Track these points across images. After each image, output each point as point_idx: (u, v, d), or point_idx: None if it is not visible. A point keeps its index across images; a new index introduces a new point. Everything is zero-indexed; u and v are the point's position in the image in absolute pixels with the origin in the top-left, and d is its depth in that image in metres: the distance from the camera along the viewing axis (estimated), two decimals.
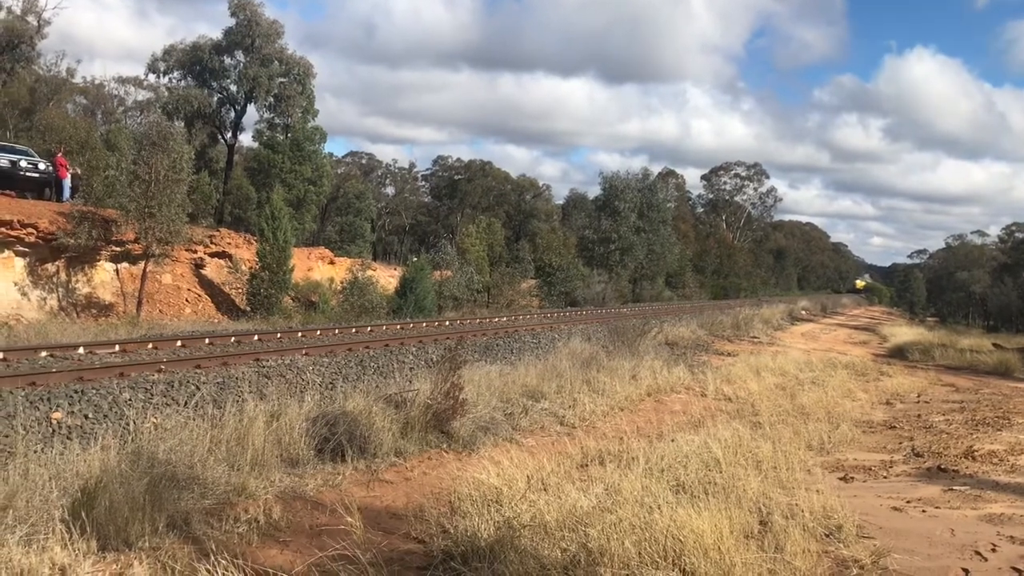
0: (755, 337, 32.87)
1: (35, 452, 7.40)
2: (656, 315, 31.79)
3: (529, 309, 34.80)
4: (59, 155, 26.45)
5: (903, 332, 41.83)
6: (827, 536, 6.43)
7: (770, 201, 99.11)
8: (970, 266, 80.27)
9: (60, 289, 23.18)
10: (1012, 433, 12.37)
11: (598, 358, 17.63)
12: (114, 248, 24.39)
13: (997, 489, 8.58)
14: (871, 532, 6.72)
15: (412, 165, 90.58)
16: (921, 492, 8.51)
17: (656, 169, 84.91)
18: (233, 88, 39.53)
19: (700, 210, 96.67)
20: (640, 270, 52.34)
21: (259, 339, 16.98)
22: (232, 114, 40.92)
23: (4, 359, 12.37)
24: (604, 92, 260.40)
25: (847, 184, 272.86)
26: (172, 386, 11.26)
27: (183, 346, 15.28)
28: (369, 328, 20.43)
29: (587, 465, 9.18)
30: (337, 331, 19.44)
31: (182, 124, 35.30)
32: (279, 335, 17.83)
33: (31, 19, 35.02)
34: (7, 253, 21.93)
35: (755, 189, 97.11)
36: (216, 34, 39.56)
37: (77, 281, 23.73)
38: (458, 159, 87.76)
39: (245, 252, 29.66)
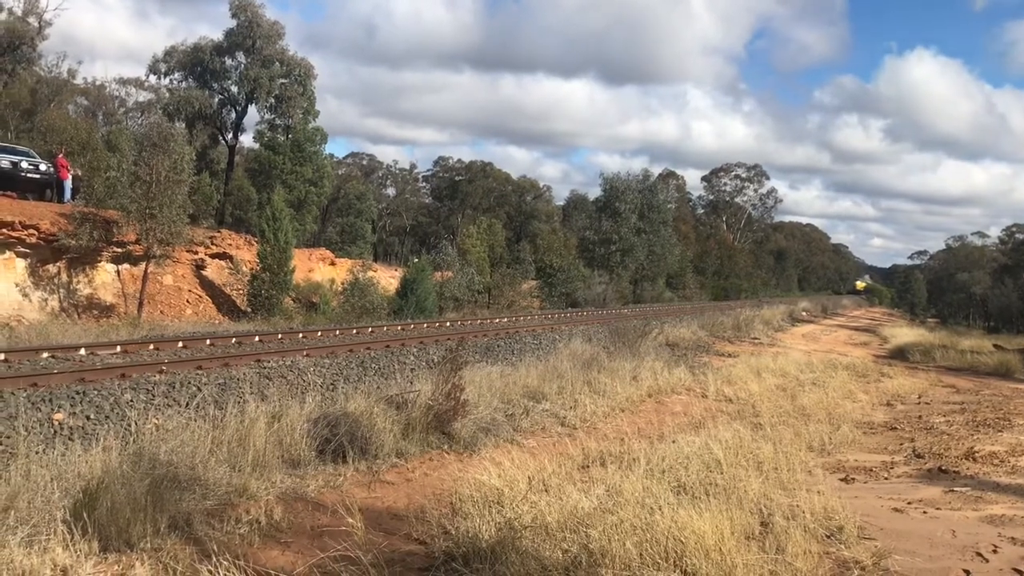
0: (756, 338, 32.88)
1: (37, 453, 7.41)
2: (657, 316, 31.80)
3: (530, 310, 34.80)
4: (60, 156, 26.44)
5: (904, 333, 41.83)
6: (828, 537, 6.44)
7: (770, 202, 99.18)
8: (970, 267, 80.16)
9: (61, 290, 23.18)
10: (1013, 434, 12.38)
11: (599, 359, 17.64)
12: (115, 249, 24.39)
13: (998, 490, 8.58)
14: (872, 533, 6.73)
15: (413, 166, 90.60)
16: (922, 493, 8.52)
17: (657, 170, 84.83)
18: (234, 89, 39.56)
19: (700, 211, 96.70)
20: (641, 271, 52.34)
21: (260, 340, 16.98)
22: (233, 115, 40.98)
23: (6, 360, 12.38)
24: (605, 93, 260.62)
25: (847, 185, 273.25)
26: (173, 387, 11.26)
27: (184, 347, 15.29)
28: (370, 329, 20.44)
29: (588, 466, 9.19)
30: (338, 332, 19.45)
31: (183, 125, 35.32)
32: (280, 336, 17.84)
33: (32, 20, 35.04)
34: (8, 254, 21.93)
35: (755, 190, 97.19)
36: (217, 35, 39.65)
37: (78, 282, 23.73)
38: (459, 160, 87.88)
39: (246, 253, 29.66)
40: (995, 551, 6.33)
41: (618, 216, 48.84)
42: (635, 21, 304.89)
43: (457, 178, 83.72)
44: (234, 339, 16.72)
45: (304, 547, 6.56)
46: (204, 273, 28.48)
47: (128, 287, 24.55)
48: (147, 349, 14.79)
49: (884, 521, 7.25)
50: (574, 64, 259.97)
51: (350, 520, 6.41)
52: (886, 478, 9.66)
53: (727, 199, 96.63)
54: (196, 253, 28.10)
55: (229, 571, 5.32)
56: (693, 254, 68.08)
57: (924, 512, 7.67)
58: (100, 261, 24.37)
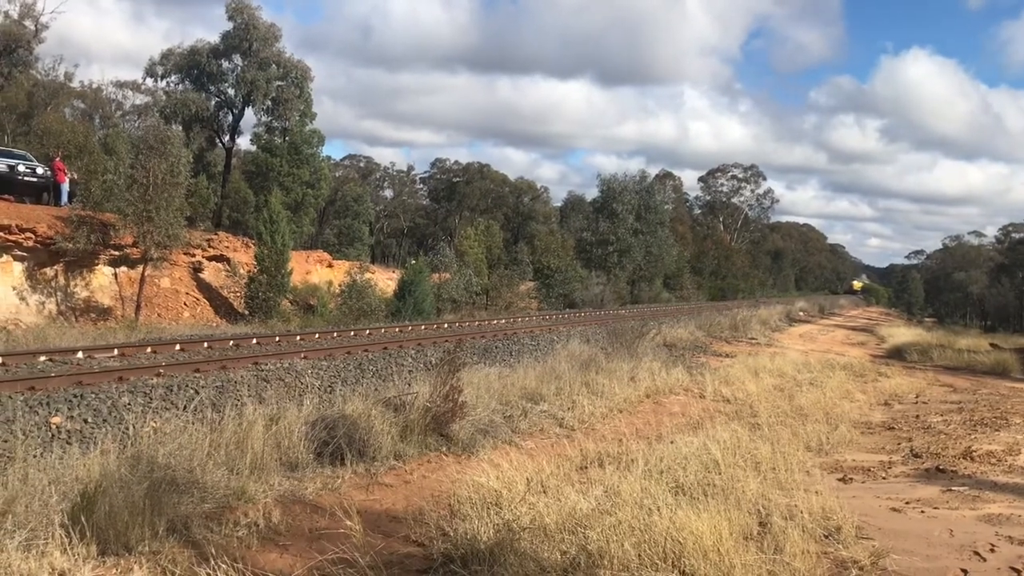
0: (753, 338, 32.89)
1: (34, 457, 7.40)
2: (654, 317, 31.82)
3: (528, 311, 34.81)
4: (57, 159, 26.44)
5: (901, 333, 41.91)
6: (826, 537, 6.45)
7: (767, 202, 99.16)
8: (967, 267, 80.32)
9: (59, 293, 23.17)
10: (1010, 433, 12.40)
11: (597, 360, 17.64)
12: (112, 252, 24.38)
13: (995, 489, 8.60)
14: (870, 533, 6.74)
15: (410, 168, 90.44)
16: (920, 493, 8.53)
17: (653, 171, 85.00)
18: (231, 92, 39.54)
19: (697, 212, 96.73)
20: (638, 272, 52.35)
21: (257, 343, 16.98)
22: (230, 118, 40.94)
23: (3, 364, 12.38)
24: (601, 94, 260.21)
25: (844, 185, 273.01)
26: (171, 390, 11.26)
27: (182, 350, 15.29)
28: (368, 331, 20.43)
29: (586, 467, 9.19)
30: (336, 334, 19.46)
31: (180, 128, 35.22)
32: (277, 339, 17.84)
33: (28, 23, 35.10)
34: (6, 258, 21.92)
35: (752, 190, 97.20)
36: (213, 38, 39.59)
37: (75, 285, 23.71)
38: (456, 162, 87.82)
39: (243, 256, 29.65)
40: (992, 550, 6.35)
41: (615, 217, 48.83)
42: (631, 22, 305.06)
43: (454, 180, 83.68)
44: (232, 342, 16.72)
45: (302, 550, 6.56)
46: (201, 276, 28.47)
47: (125, 290, 24.54)
48: (144, 352, 14.79)
49: (882, 521, 7.26)
50: (571, 65, 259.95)
51: (348, 522, 6.41)
52: (884, 478, 9.67)
53: (724, 199, 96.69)
54: (193, 256, 28.10)
55: (227, 574, 5.32)
56: (690, 254, 68.14)
57: (922, 512, 7.68)
58: (97, 264, 24.37)
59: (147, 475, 6.89)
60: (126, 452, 7.76)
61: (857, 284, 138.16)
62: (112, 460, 7.24)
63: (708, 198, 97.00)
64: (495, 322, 26.04)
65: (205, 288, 28.09)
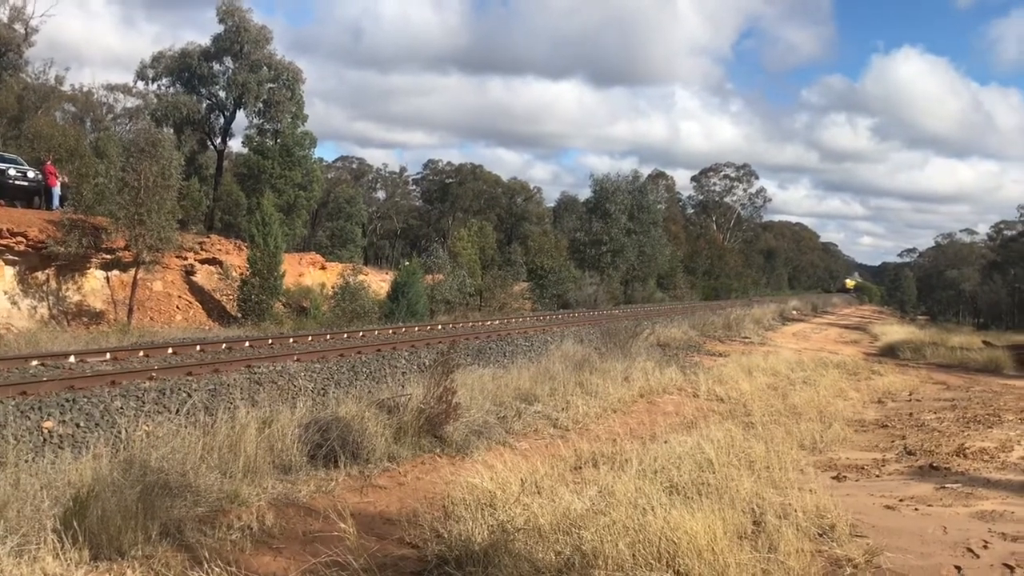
0: (746, 337, 32.94)
1: (26, 462, 7.39)
2: (648, 316, 31.85)
3: (521, 312, 34.77)
4: (48, 163, 26.35)
5: (894, 331, 42.01)
6: (820, 535, 6.45)
7: (760, 202, 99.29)
8: (960, 264, 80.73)
9: (50, 297, 23.08)
10: (1003, 430, 12.42)
11: (591, 360, 17.65)
12: (104, 256, 24.30)
13: (988, 486, 8.61)
14: (864, 531, 6.74)
15: (403, 169, 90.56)
16: (913, 490, 8.54)
17: (646, 171, 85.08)
18: (222, 94, 39.45)
19: (690, 211, 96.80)
20: (631, 272, 52.40)
21: (250, 345, 16.93)
22: (221, 120, 40.85)
23: None
24: (593, 95, 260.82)
25: (836, 184, 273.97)
26: (164, 394, 11.23)
27: (174, 353, 15.25)
28: (361, 333, 20.41)
29: (581, 467, 9.19)
30: (329, 336, 19.43)
31: (171, 131, 35.12)
32: (270, 341, 17.80)
33: (18, 27, 34.98)
34: None
35: (744, 190, 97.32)
36: (204, 40, 39.52)
37: (67, 289, 23.63)
38: (449, 163, 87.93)
39: (236, 258, 29.58)
40: (986, 547, 6.36)
41: (608, 217, 48.91)
42: (622, 22, 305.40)
43: (447, 181, 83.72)
44: (224, 345, 16.68)
45: (296, 553, 6.54)
46: (194, 279, 28.39)
47: (118, 294, 24.47)
48: (137, 356, 14.74)
49: (876, 519, 7.27)
50: (562, 66, 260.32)
51: (342, 525, 6.39)
52: (877, 476, 9.68)
53: (716, 199, 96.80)
54: (185, 259, 28.02)
55: None
56: (683, 254, 68.17)
57: (916, 509, 7.69)
58: (89, 268, 24.28)
59: (140, 479, 6.86)
60: (119, 456, 7.73)
61: (850, 282, 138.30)
62: (104, 464, 7.21)
63: (701, 198, 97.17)
64: (489, 323, 26.03)
65: (198, 291, 28.02)
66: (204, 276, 28.91)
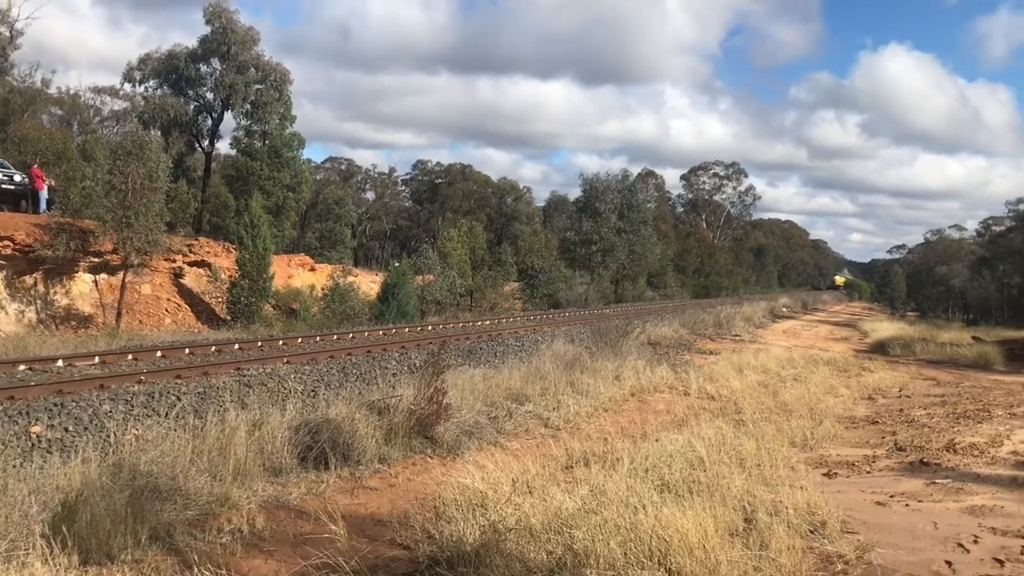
0: (737, 335, 33.00)
1: (14, 467, 7.34)
2: (638, 315, 31.86)
3: (512, 312, 34.78)
4: (35, 167, 26.25)
5: (884, 327, 42.08)
6: (811, 532, 6.46)
7: (749, 199, 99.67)
8: (949, 260, 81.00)
9: (38, 301, 22.98)
10: (992, 425, 12.47)
11: (581, 359, 17.65)
12: (92, 259, 24.22)
13: (978, 481, 8.64)
14: (855, 527, 6.76)
15: (392, 170, 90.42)
16: (904, 486, 8.56)
17: (636, 170, 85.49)
18: (209, 96, 39.30)
19: (680, 210, 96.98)
20: (622, 271, 52.44)
21: (240, 348, 16.88)
22: (209, 122, 40.70)
23: None
24: (582, 94, 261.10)
25: (825, 181, 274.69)
26: (153, 397, 11.18)
27: (163, 356, 15.18)
28: (351, 334, 20.36)
29: (572, 467, 9.19)
30: (319, 338, 19.38)
31: (159, 133, 35.03)
32: (260, 343, 17.74)
33: (3, 30, 34.81)
34: None
35: (734, 188, 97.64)
36: (191, 42, 39.36)
37: (55, 293, 23.53)
38: (438, 163, 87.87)
39: (224, 260, 29.50)
40: (976, 542, 6.38)
41: (598, 216, 48.89)
42: (610, 21, 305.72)
43: (437, 181, 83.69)
44: (214, 347, 16.62)
45: (287, 555, 6.52)
46: (183, 281, 28.30)
47: (106, 297, 24.38)
48: (126, 359, 14.68)
49: (867, 515, 7.28)
50: (551, 65, 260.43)
51: (333, 527, 6.37)
52: (868, 472, 9.70)
53: (706, 197, 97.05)
54: (174, 261, 27.94)
55: None
56: (673, 253, 68.32)
57: (906, 505, 7.71)
58: (77, 271, 24.19)
59: (129, 483, 6.83)
60: (107, 460, 7.69)
61: (839, 279, 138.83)
62: (93, 469, 7.17)
63: (690, 196, 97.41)
64: (479, 323, 26.01)
65: (186, 294, 27.93)
66: (193, 279, 28.83)
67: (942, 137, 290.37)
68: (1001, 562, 5.86)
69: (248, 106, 38.68)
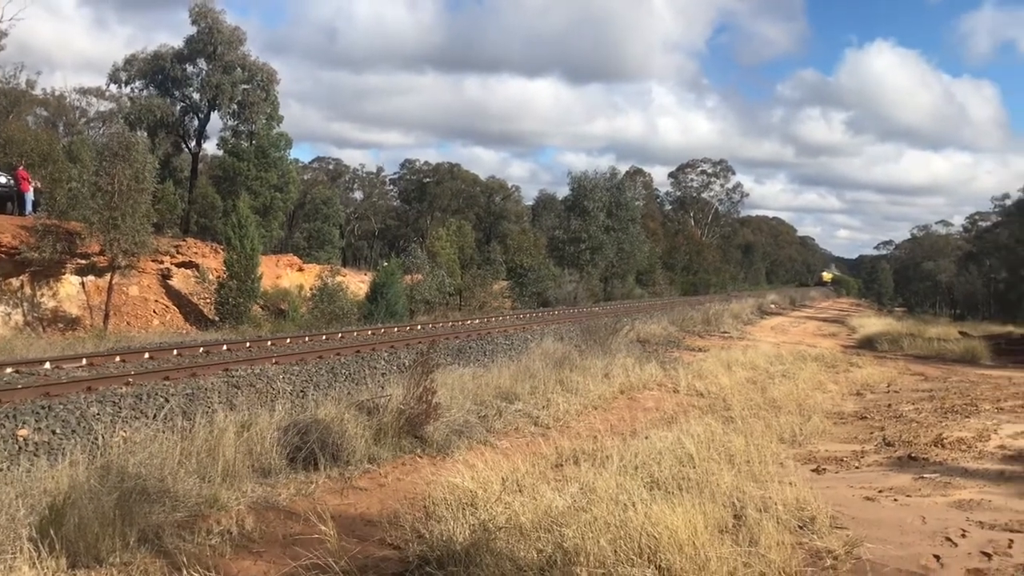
0: (725, 332, 33.07)
1: (1, 471, 7.29)
2: (627, 313, 31.89)
3: (501, 310, 34.79)
4: (21, 168, 26.11)
5: (871, 323, 42.25)
6: (801, 528, 6.47)
7: (737, 197, 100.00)
8: (936, 256, 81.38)
9: (25, 304, 22.86)
10: (980, 420, 12.53)
11: (571, 358, 17.65)
12: (79, 261, 24.11)
13: (966, 475, 8.68)
14: (844, 523, 6.77)
15: (380, 169, 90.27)
16: (892, 481, 8.59)
17: (623, 168, 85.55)
18: (196, 96, 39.10)
19: (668, 207, 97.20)
20: (610, 269, 52.53)
21: (228, 349, 16.83)
22: (196, 122, 40.48)
23: None
24: (569, 92, 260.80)
25: (812, 178, 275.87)
26: (141, 399, 11.13)
27: (151, 358, 15.12)
28: (340, 334, 20.32)
29: (562, 465, 9.19)
30: (307, 338, 19.33)
31: (145, 134, 34.85)
32: (248, 344, 17.68)
33: None
34: None
35: (722, 185, 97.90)
36: (177, 42, 39.17)
37: (42, 295, 23.41)
38: (426, 162, 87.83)
39: (212, 261, 29.42)
40: (964, 535, 6.40)
41: (587, 214, 48.97)
42: (597, 19, 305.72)
43: (425, 180, 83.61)
44: (202, 348, 16.56)
45: (276, 556, 6.50)
46: (170, 283, 28.21)
47: (93, 299, 24.27)
48: (113, 361, 14.61)
49: (856, 510, 7.31)
50: (538, 64, 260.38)
51: (322, 527, 6.36)
52: (857, 467, 9.73)
53: (694, 195, 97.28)
54: (162, 263, 27.85)
55: None
56: (662, 250, 68.47)
57: (895, 500, 7.74)
58: (64, 273, 24.08)
59: (117, 485, 6.80)
60: (95, 463, 7.65)
61: (827, 276, 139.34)
62: (81, 471, 7.14)
63: (678, 194, 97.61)
64: (469, 322, 25.99)
65: (174, 295, 27.83)
66: (181, 280, 28.73)
67: (928, 133, 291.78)
68: (989, 556, 5.89)
69: (235, 106, 38.52)
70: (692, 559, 5.32)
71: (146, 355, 15.32)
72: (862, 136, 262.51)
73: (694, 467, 8.11)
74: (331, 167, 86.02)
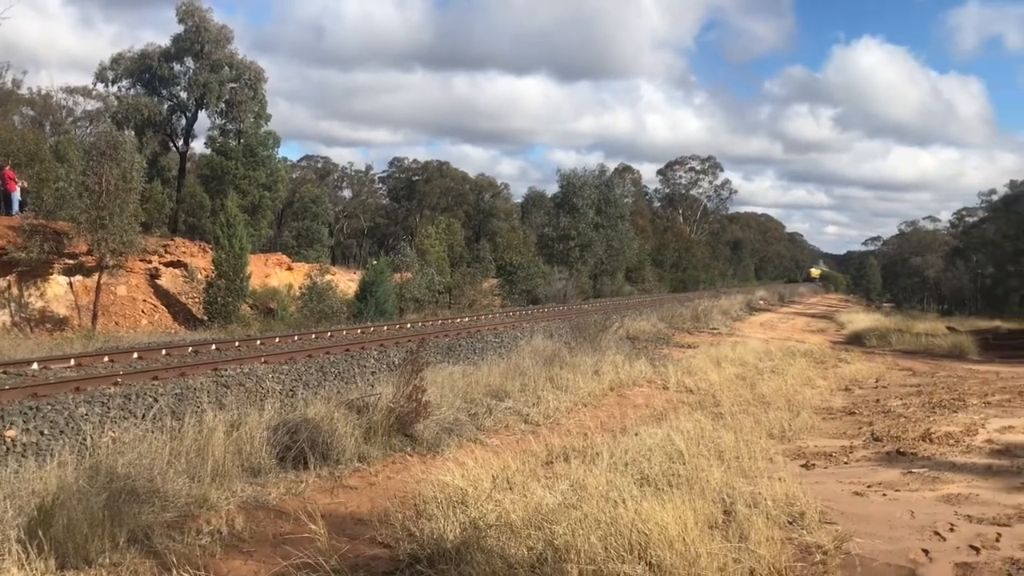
0: (714, 328, 33.15)
1: None
2: (617, 310, 31.94)
3: (491, 308, 34.78)
4: (7, 168, 25.97)
5: (860, 319, 42.44)
6: (790, 523, 6.50)
7: (725, 193, 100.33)
8: (923, 251, 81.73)
9: (12, 304, 22.75)
10: (967, 414, 12.59)
11: (561, 355, 17.66)
12: (67, 261, 24.01)
13: (954, 470, 8.73)
14: (833, 518, 6.81)
15: (369, 167, 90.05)
16: (881, 476, 8.63)
17: (612, 165, 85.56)
18: (183, 95, 38.94)
19: (657, 204, 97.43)
20: (600, 266, 52.59)
21: (217, 348, 16.78)
22: (183, 121, 40.31)
23: None
24: (558, 90, 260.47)
25: (800, 174, 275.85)
26: (129, 399, 11.10)
27: (139, 358, 15.07)
28: (329, 333, 20.29)
29: (552, 462, 9.19)
30: (296, 337, 19.29)
31: (132, 133, 34.70)
32: (237, 344, 17.64)
33: None
34: None
35: (710, 182, 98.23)
36: (164, 41, 39.00)
37: (30, 296, 23.30)
38: (415, 160, 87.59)
39: (201, 261, 29.31)
40: (952, 530, 6.44)
41: (576, 212, 49.02)
42: (585, 17, 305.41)
43: (414, 178, 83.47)
44: (190, 348, 16.51)
45: (266, 556, 6.49)
46: (159, 282, 28.10)
47: (81, 299, 24.16)
48: (102, 361, 14.55)
49: (845, 505, 7.34)
50: (526, 61, 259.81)
51: (313, 527, 6.35)
52: (846, 462, 9.78)
53: (683, 192, 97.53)
54: (150, 262, 27.74)
55: None
56: (651, 247, 68.57)
57: (883, 495, 7.78)
58: (52, 273, 23.97)
59: (106, 486, 6.77)
60: (84, 463, 7.61)
61: (815, 272, 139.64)
62: (70, 472, 7.10)
63: (667, 191, 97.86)
64: (458, 320, 25.98)
65: (163, 295, 27.73)
66: (169, 279, 28.62)
67: (915, 129, 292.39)
68: (977, 549, 5.93)
69: (222, 105, 38.38)
70: (682, 555, 5.34)
71: (135, 355, 15.27)
72: (850, 132, 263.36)
73: (684, 463, 8.13)
74: (320, 165, 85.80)
